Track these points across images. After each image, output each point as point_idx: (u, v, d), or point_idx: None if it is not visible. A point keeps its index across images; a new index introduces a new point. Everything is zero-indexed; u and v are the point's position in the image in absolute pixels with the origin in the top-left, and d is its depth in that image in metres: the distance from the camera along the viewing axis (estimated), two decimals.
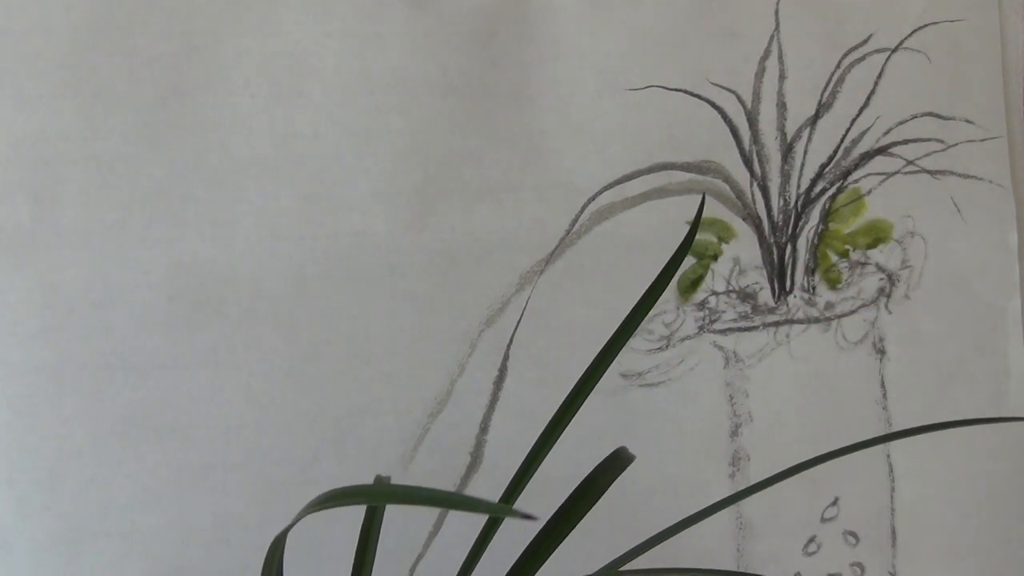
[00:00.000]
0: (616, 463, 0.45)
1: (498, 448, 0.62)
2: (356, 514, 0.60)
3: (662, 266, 0.64)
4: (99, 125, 0.57)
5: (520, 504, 0.60)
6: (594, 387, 0.45)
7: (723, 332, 0.65)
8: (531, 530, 0.43)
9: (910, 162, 0.67)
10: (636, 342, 0.64)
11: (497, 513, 0.28)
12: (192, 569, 0.58)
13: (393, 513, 0.60)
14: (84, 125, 0.57)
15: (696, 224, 0.50)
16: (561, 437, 0.57)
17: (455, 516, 0.61)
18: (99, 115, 0.57)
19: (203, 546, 0.58)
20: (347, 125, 0.60)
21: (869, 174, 0.66)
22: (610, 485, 0.44)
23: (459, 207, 0.61)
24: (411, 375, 0.61)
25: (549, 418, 0.62)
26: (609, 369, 0.63)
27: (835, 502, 0.66)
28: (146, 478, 0.58)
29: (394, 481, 0.60)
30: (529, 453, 0.44)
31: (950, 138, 0.67)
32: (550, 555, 0.42)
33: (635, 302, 0.65)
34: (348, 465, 0.60)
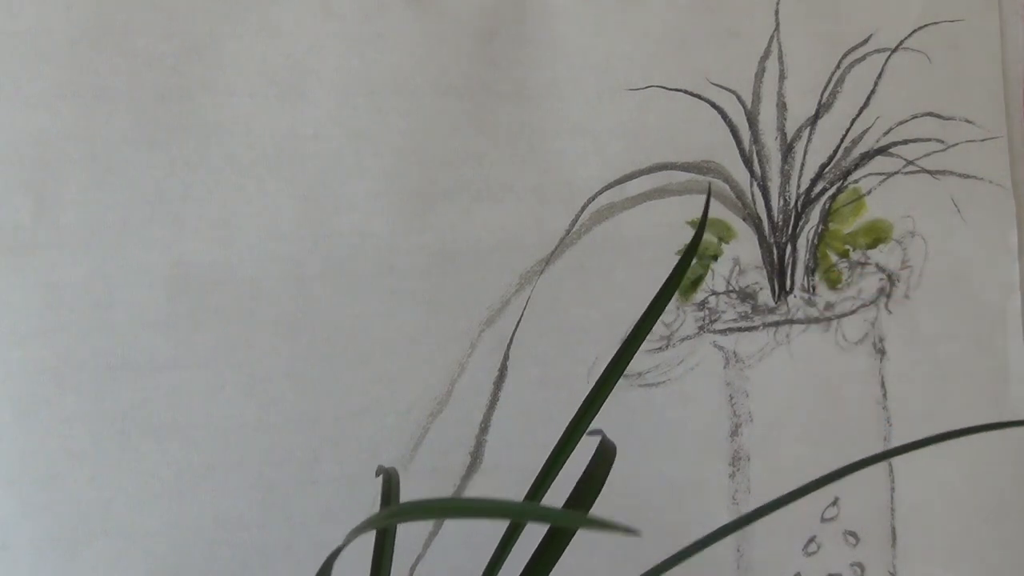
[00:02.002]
0: (606, 455, 0.45)
1: (498, 448, 0.62)
2: (354, 518, 0.60)
3: (662, 266, 0.64)
4: (99, 125, 0.57)
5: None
6: (611, 390, 0.45)
7: (723, 332, 0.65)
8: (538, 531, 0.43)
9: (910, 162, 0.67)
10: None
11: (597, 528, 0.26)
12: (192, 569, 0.58)
13: None
14: (84, 125, 0.57)
15: (705, 213, 0.50)
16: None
17: None
18: (99, 115, 0.57)
19: (203, 546, 0.58)
20: (347, 125, 0.60)
21: (869, 174, 0.66)
22: (607, 477, 0.43)
23: (459, 207, 0.61)
24: (411, 375, 0.61)
25: (550, 418, 0.63)
26: None
27: (835, 502, 0.66)
28: (146, 478, 0.58)
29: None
30: (549, 457, 0.44)
31: (950, 138, 0.67)
32: (561, 554, 0.41)
33: (635, 302, 0.65)
34: (348, 465, 0.60)
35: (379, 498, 0.60)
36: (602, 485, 0.44)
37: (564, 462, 0.44)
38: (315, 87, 0.60)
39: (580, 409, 0.45)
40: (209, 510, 0.58)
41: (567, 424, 0.47)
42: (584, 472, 0.45)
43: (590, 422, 0.44)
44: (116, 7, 0.57)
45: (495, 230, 0.62)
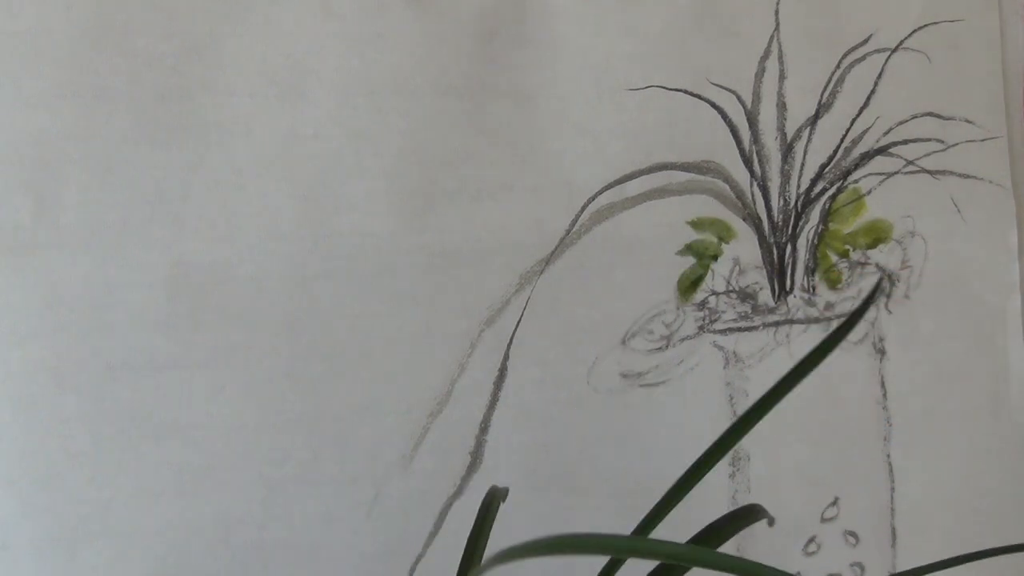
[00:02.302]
0: (748, 516, 0.42)
1: (498, 448, 0.62)
2: (354, 518, 0.60)
3: (662, 266, 0.64)
4: (99, 125, 0.57)
5: (532, 500, 0.60)
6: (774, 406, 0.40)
7: (723, 332, 0.65)
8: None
9: (910, 162, 0.67)
10: (636, 342, 0.64)
11: None
12: (192, 569, 0.58)
13: (392, 511, 0.61)
14: (84, 125, 0.57)
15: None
16: (562, 438, 0.57)
17: (455, 516, 0.61)
18: (99, 115, 0.57)
19: (203, 546, 0.58)
20: (347, 125, 0.60)
21: (869, 174, 0.66)
22: (735, 534, 0.41)
23: (459, 207, 0.61)
24: (411, 375, 0.61)
25: (550, 418, 0.63)
26: (609, 369, 0.64)
27: (835, 502, 0.66)
28: (146, 478, 0.58)
29: (394, 480, 0.60)
30: (682, 477, 0.41)
31: (950, 138, 0.67)
32: None
33: (635, 302, 0.65)
34: (348, 465, 0.60)
35: (378, 499, 0.60)
36: (729, 537, 0.41)
37: (695, 484, 0.42)
38: (315, 87, 0.59)
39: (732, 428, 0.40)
40: (209, 510, 0.58)
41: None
42: (714, 523, 0.42)
43: (734, 445, 0.40)
44: (116, 7, 0.57)
45: (495, 230, 0.62)
